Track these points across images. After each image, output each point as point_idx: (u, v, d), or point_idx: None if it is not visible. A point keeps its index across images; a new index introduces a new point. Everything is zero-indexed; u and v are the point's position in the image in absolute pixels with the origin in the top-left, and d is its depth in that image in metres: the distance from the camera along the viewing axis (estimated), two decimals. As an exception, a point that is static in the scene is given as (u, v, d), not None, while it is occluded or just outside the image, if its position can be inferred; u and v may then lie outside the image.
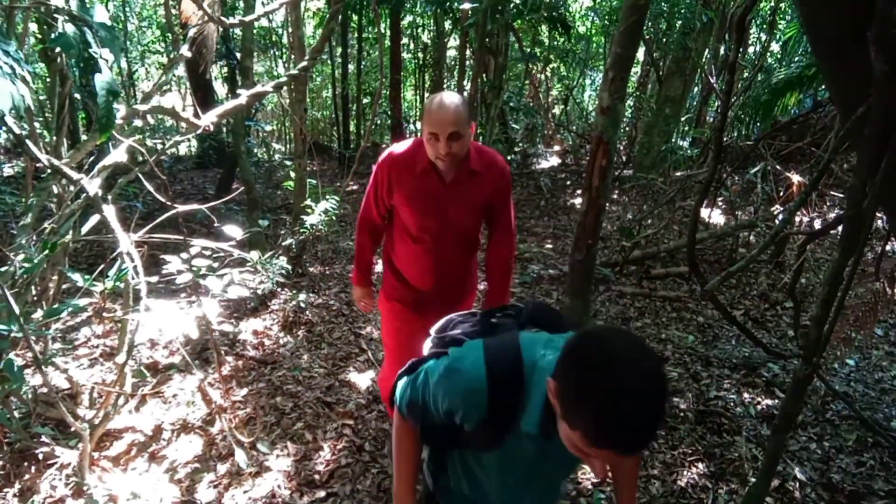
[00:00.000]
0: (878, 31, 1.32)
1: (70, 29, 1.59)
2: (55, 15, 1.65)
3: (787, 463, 2.69)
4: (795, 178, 4.47)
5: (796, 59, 5.11)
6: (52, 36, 1.66)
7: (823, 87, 4.17)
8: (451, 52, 11.47)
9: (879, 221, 5.09)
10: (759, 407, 3.15)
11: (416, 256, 2.11)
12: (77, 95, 6.29)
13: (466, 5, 5.68)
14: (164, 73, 2.65)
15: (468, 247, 2.17)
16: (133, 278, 2.00)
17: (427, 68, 11.63)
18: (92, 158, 2.62)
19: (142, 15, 12.43)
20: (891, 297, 2.82)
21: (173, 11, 2.59)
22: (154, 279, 2.18)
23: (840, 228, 1.81)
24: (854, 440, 2.88)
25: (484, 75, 7.19)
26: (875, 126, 1.42)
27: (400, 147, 2.01)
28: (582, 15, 11.76)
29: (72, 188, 2.29)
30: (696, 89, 9.42)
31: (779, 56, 8.68)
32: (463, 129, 1.78)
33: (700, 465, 2.69)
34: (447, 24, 9.52)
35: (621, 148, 9.38)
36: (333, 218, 4.41)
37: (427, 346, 1.43)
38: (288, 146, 12.25)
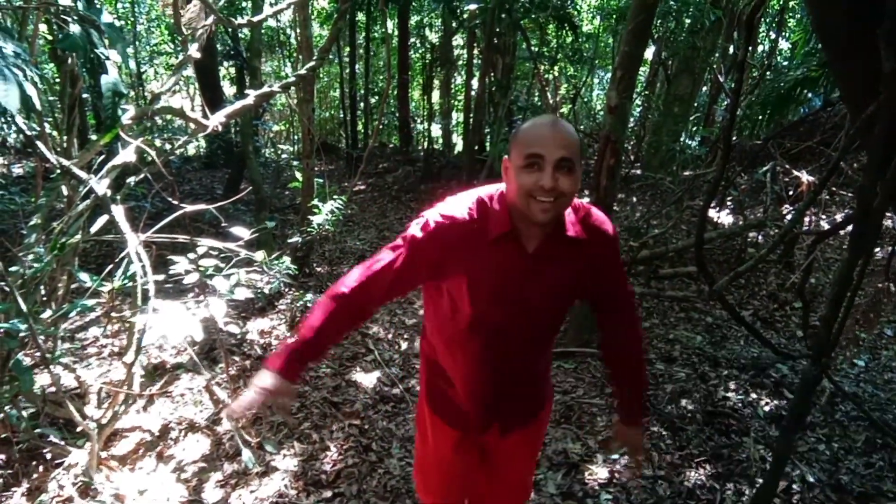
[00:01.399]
0: (888, 29, 1.31)
1: (77, 30, 1.60)
2: (63, 16, 1.66)
3: (796, 464, 2.66)
4: (805, 177, 4.43)
5: (805, 57, 5.07)
6: (59, 37, 1.67)
7: (833, 85, 4.13)
8: (457, 52, 11.47)
9: (889, 221, 5.05)
10: (767, 408, 3.13)
11: (467, 357, 1.45)
12: (86, 96, 6.35)
13: (473, 6, 5.68)
14: (173, 74, 2.67)
15: (546, 344, 1.54)
16: (141, 278, 2.01)
17: (434, 67, 11.64)
18: (101, 159, 2.64)
19: (150, 16, 12.50)
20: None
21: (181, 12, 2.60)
22: (162, 279, 2.19)
23: (850, 228, 1.79)
24: (863, 441, 2.85)
25: (491, 74, 7.19)
26: (884, 124, 1.41)
27: (454, 208, 1.32)
28: (590, 14, 11.72)
29: (81, 188, 2.31)
30: (704, 88, 9.36)
31: (788, 54, 8.62)
32: (577, 162, 1.20)
33: (707, 466, 2.67)
34: (455, 24, 9.53)
35: (629, 147, 9.34)
36: (340, 218, 4.42)
37: None
38: (296, 146, 12.28)
